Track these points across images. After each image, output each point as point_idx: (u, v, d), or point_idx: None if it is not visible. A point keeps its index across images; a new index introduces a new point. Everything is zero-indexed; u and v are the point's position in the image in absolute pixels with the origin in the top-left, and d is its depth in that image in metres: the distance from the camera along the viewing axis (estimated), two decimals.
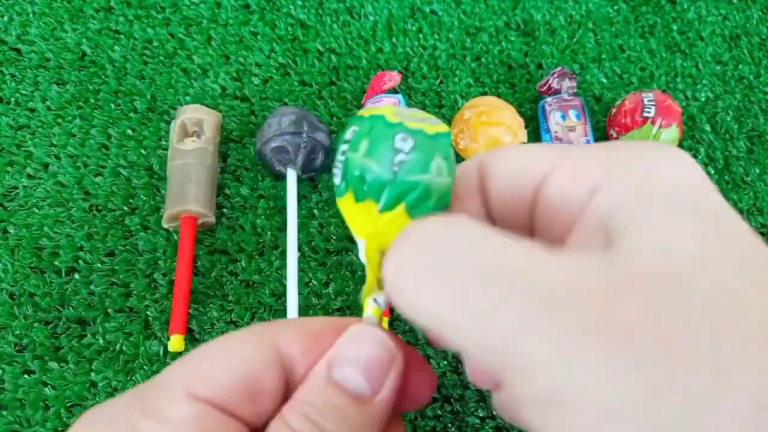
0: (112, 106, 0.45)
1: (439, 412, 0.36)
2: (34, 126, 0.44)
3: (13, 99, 0.45)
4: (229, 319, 0.38)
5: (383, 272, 0.15)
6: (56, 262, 0.39)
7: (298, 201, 0.41)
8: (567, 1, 0.54)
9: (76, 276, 0.39)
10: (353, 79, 0.48)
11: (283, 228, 0.41)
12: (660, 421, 0.11)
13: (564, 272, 0.12)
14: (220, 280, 0.39)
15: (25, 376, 0.36)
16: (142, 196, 0.42)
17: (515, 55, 0.50)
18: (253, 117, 0.46)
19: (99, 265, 0.39)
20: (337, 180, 0.17)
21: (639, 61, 0.51)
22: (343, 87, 0.48)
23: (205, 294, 0.39)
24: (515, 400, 0.13)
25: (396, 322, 0.39)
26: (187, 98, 0.46)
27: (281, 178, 0.42)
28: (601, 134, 0.47)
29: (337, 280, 0.40)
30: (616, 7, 0.54)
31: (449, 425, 0.36)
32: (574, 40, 0.52)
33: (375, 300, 0.17)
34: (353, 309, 0.39)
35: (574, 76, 0.46)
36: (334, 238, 0.41)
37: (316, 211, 0.42)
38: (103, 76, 0.46)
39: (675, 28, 0.53)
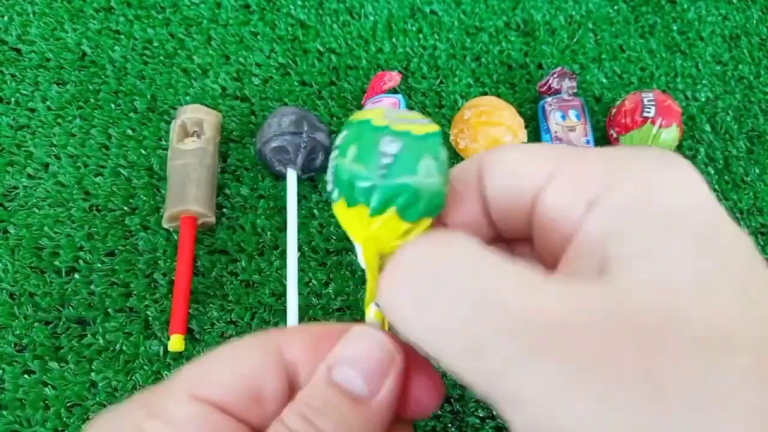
0: (113, 106, 0.45)
1: (439, 412, 0.36)
2: (35, 126, 0.44)
3: (13, 99, 0.45)
4: (229, 319, 0.38)
5: (378, 291, 0.15)
6: (56, 262, 0.39)
7: (298, 201, 0.41)
8: (567, 1, 0.54)
9: (76, 276, 0.39)
10: (353, 79, 0.48)
11: (283, 228, 0.41)
12: None
13: (556, 305, 0.13)
14: (220, 280, 0.39)
15: (25, 376, 0.36)
16: (142, 196, 0.42)
17: (515, 55, 0.50)
18: (253, 117, 0.46)
19: (99, 265, 0.39)
20: (329, 186, 0.17)
21: (639, 61, 0.51)
22: (343, 87, 0.48)
23: (205, 294, 0.39)
24: (506, 421, 0.14)
25: None
26: (187, 98, 0.46)
27: (281, 178, 0.42)
28: (601, 134, 0.47)
29: (337, 280, 0.40)
30: (616, 7, 0.54)
31: (449, 425, 0.36)
32: (574, 40, 0.52)
33: (377, 304, 0.17)
34: (353, 309, 0.39)
35: (574, 76, 0.46)
36: (334, 238, 0.41)
37: (316, 211, 0.42)
38: (103, 76, 0.46)
39: (675, 28, 0.53)
